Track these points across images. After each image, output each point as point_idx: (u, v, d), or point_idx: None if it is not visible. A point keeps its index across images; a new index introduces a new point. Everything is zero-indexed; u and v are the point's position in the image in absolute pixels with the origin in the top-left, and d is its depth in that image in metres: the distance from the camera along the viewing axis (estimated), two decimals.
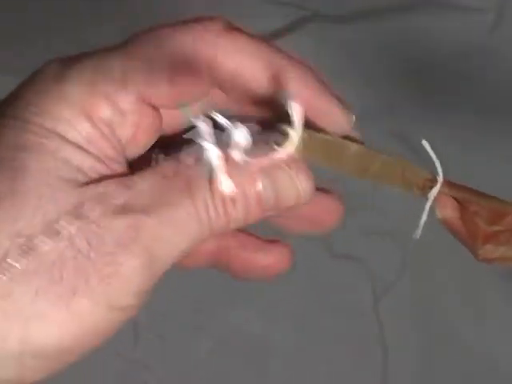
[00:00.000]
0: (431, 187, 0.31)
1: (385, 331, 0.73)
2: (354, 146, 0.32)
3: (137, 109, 0.29)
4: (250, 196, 0.28)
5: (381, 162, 0.32)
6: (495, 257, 0.31)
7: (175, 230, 0.27)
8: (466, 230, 0.32)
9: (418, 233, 0.32)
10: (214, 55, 0.29)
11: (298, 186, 0.30)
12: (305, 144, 0.30)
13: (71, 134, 0.27)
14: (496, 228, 0.31)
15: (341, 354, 0.73)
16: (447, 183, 0.32)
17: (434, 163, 0.31)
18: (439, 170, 0.31)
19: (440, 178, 0.31)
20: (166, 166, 0.28)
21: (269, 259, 0.36)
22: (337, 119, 0.31)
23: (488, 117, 0.77)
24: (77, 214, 0.26)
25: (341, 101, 0.32)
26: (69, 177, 0.27)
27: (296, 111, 0.28)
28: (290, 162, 0.29)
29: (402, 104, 0.79)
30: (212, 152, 0.27)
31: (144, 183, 0.28)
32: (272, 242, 0.37)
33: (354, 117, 0.32)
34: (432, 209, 0.32)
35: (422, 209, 0.32)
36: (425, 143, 0.31)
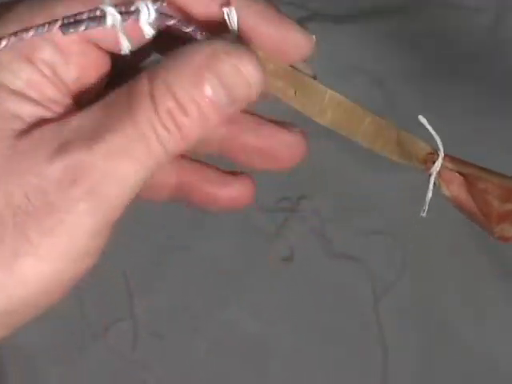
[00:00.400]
0: (433, 162, 0.31)
1: (385, 331, 0.73)
2: (323, 89, 0.32)
3: (80, 49, 0.27)
4: (199, 98, 0.25)
5: (371, 120, 0.32)
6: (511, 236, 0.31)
7: (121, 160, 0.25)
8: (477, 207, 0.31)
9: (425, 210, 0.32)
10: None
11: (244, 73, 0.26)
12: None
13: (9, 79, 0.26)
14: (509, 207, 0.30)
15: (340, 353, 0.73)
16: (450, 158, 0.31)
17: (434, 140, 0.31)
18: (439, 144, 0.31)
19: (441, 153, 0.31)
20: (108, 96, 0.26)
21: (231, 192, 0.33)
22: (297, 41, 0.30)
23: (489, 116, 0.77)
24: (11, 168, 0.25)
25: (297, 24, 0.30)
26: (3, 127, 0.25)
27: (232, 15, 0.27)
28: (230, 49, 0.25)
29: (403, 103, 0.79)
30: (110, 11, 0.25)
31: (84, 118, 0.25)
32: (234, 174, 0.34)
33: (313, 37, 0.30)
34: (437, 186, 0.31)
35: (422, 208, 0.32)
36: (422, 118, 0.31)
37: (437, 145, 0.31)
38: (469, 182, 0.31)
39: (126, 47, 0.27)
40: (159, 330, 0.73)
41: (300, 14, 0.84)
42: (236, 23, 0.28)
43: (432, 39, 0.82)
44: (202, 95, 0.25)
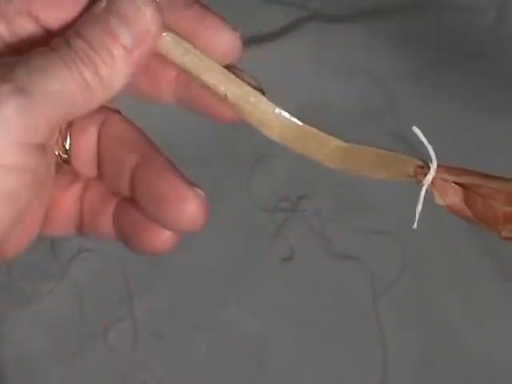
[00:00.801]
0: (424, 174, 0.30)
1: (384, 331, 0.73)
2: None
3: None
4: (105, 39, 0.28)
5: (336, 145, 0.32)
6: None
7: (43, 71, 0.27)
8: (478, 212, 0.30)
9: (415, 222, 0.31)
10: None
11: (140, 6, 0.28)
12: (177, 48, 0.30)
13: None
14: None
15: (340, 353, 0.73)
16: (445, 169, 0.30)
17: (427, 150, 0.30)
18: (432, 155, 0.30)
19: (433, 165, 0.30)
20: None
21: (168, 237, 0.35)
22: (223, 37, 0.30)
23: (489, 116, 0.77)
24: None
25: (224, 20, 0.31)
26: None
27: None
28: None
29: (403, 103, 0.79)
30: None
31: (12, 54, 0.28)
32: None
33: (238, 34, 0.30)
34: (431, 197, 0.31)
35: (422, 207, 0.32)
36: (415, 129, 0.30)
37: (430, 156, 0.30)
38: (466, 190, 0.30)
39: None
40: (159, 330, 0.73)
41: (300, 14, 0.84)
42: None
43: (432, 39, 0.82)
44: (107, 37, 0.28)
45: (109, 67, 0.28)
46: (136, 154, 0.32)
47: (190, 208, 0.33)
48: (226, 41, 0.30)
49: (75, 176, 0.34)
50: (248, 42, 0.83)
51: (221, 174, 0.78)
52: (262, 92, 0.31)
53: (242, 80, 0.31)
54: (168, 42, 0.30)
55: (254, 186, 0.78)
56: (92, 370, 0.72)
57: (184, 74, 0.31)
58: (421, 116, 0.76)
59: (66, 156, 0.33)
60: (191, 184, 0.32)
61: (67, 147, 0.33)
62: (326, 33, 0.82)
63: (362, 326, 0.73)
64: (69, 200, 0.33)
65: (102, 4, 0.28)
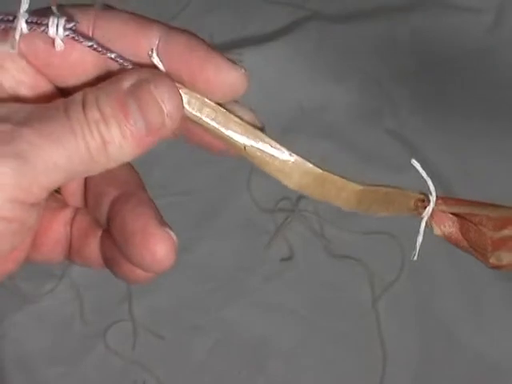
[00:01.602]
0: (425, 207, 0.31)
1: (384, 331, 0.73)
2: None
3: (15, 63, 0.29)
4: (119, 120, 0.28)
5: (352, 189, 0.32)
6: (507, 263, 0.31)
7: (50, 139, 0.27)
8: (471, 241, 0.31)
9: (416, 254, 0.32)
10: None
11: (158, 100, 0.28)
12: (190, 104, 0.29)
13: None
14: (503, 233, 0.30)
15: (340, 353, 0.73)
16: (443, 200, 0.31)
17: (427, 180, 0.31)
18: (432, 189, 0.31)
19: (433, 198, 0.31)
20: (47, 103, 0.28)
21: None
22: (228, 76, 0.30)
23: (488, 116, 0.78)
24: None
25: (228, 59, 0.30)
26: None
27: (156, 60, 0.29)
28: (150, 77, 0.28)
29: (402, 104, 0.79)
30: (21, 18, 0.28)
31: (25, 106, 0.28)
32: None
33: (243, 70, 0.30)
34: (429, 228, 0.31)
35: (414, 253, 0.32)
36: (414, 162, 0.30)
37: (429, 188, 0.31)
38: (461, 220, 0.31)
39: (58, 45, 0.29)
40: (159, 331, 0.73)
41: (300, 15, 0.84)
42: (161, 66, 0.29)
43: (431, 40, 0.82)
44: (123, 118, 0.28)
45: (117, 146, 0.28)
46: (116, 188, 0.31)
47: (156, 248, 0.31)
48: (231, 79, 0.30)
49: (65, 202, 0.34)
50: (248, 42, 0.83)
51: (221, 175, 0.78)
52: (261, 129, 0.31)
53: (239, 117, 0.30)
54: (184, 98, 0.29)
55: (254, 186, 0.78)
56: (92, 369, 0.72)
57: (201, 128, 0.30)
58: (419, 116, 0.76)
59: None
60: (162, 224, 0.31)
61: None
62: (326, 33, 0.82)
63: (362, 326, 0.73)
64: (58, 225, 0.33)
65: (127, 83, 0.28)
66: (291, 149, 0.31)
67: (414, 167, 0.30)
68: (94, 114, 0.27)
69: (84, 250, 0.33)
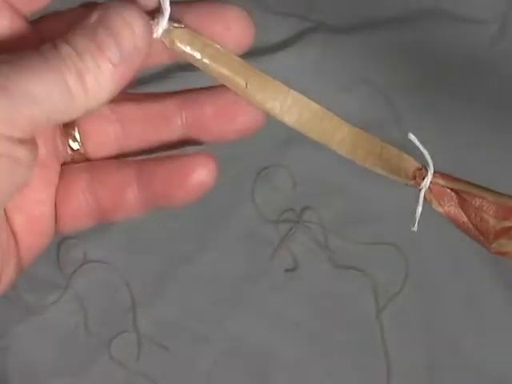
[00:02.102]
0: (423, 178, 0.31)
1: (388, 342, 0.73)
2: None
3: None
4: (92, 48, 0.28)
5: (349, 130, 0.32)
6: (508, 250, 0.31)
7: (28, 73, 0.27)
8: (472, 224, 0.31)
9: (415, 224, 0.32)
10: None
11: (128, 20, 0.28)
12: (191, 42, 0.30)
13: None
14: (506, 224, 0.31)
15: (343, 364, 0.72)
16: (441, 175, 0.31)
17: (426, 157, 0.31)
18: (429, 160, 0.31)
19: (431, 168, 0.31)
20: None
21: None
22: (237, 25, 0.31)
23: (490, 126, 0.78)
24: None
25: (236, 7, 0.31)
26: None
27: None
28: (118, 6, 0.29)
29: (406, 114, 0.79)
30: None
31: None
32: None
33: (251, 21, 0.32)
34: (428, 203, 0.32)
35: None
36: (411, 136, 0.31)
37: (427, 161, 0.31)
38: (461, 198, 0.31)
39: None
40: (163, 342, 0.73)
41: (303, 26, 0.84)
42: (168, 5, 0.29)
43: (436, 50, 0.82)
44: (95, 47, 0.28)
45: (94, 78, 0.28)
46: None
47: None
48: (240, 28, 0.31)
49: (76, 169, 0.34)
50: (252, 53, 0.83)
51: (225, 185, 0.78)
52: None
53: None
54: (186, 38, 0.30)
55: (258, 196, 0.78)
56: (96, 381, 0.72)
57: (203, 68, 0.31)
58: (423, 127, 0.76)
59: (76, 144, 0.33)
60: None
61: (76, 135, 0.33)
62: (330, 44, 0.83)
63: (366, 337, 0.73)
64: (77, 192, 0.33)
65: (94, 17, 0.28)
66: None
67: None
68: (66, 49, 0.27)
69: (120, 203, 0.33)
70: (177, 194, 0.32)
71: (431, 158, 0.32)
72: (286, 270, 0.76)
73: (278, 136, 0.75)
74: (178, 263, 0.75)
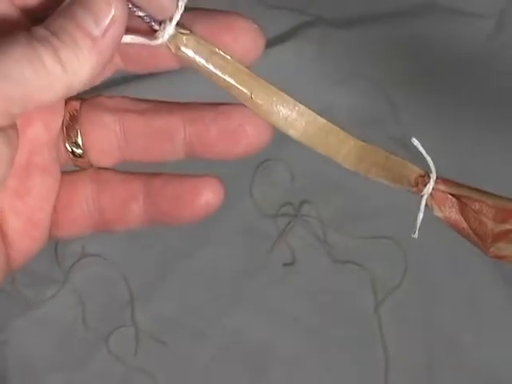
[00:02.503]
0: (425, 184, 0.31)
1: (386, 336, 0.73)
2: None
3: None
4: (67, 25, 0.27)
5: (354, 144, 0.32)
6: (507, 254, 0.31)
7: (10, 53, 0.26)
8: (471, 228, 0.31)
9: (416, 231, 0.32)
10: None
11: None
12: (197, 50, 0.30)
13: None
14: (505, 227, 0.31)
15: (342, 359, 0.72)
16: (443, 181, 0.31)
17: (427, 162, 0.31)
18: (432, 166, 0.31)
19: (433, 175, 0.31)
20: None
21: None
22: (246, 36, 0.31)
23: (489, 122, 0.77)
24: None
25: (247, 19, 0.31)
26: None
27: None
28: None
29: (404, 109, 0.79)
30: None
31: None
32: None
33: (261, 33, 0.32)
34: (430, 208, 0.32)
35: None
36: (415, 141, 0.31)
37: (429, 167, 0.31)
38: (462, 204, 0.31)
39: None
40: (161, 336, 0.73)
41: (300, 20, 0.84)
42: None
43: (433, 45, 0.82)
44: (70, 22, 0.27)
45: (71, 52, 0.27)
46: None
47: None
48: (248, 40, 0.31)
49: (82, 177, 0.33)
50: None
51: (223, 179, 0.78)
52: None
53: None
54: (192, 45, 0.30)
55: (257, 191, 0.78)
56: (94, 375, 0.72)
57: (208, 76, 0.31)
58: (422, 121, 0.76)
59: (79, 151, 0.33)
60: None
61: (79, 141, 0.33)
62: (328, 38, 0.82)
63: (364, 331, 0.73)
64: (80, 201, 0.33)
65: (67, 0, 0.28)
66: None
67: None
68: (41, 32, 0.27)
69: (124, 214, 0.33)
70: (182, 214, 0.33)
71: (428, 150, 0.32)
72: (285, 265, 0.76)
73: (276, 130, 0.75)
74: (176, 258, 0.75)
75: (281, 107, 0.31)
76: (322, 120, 0.32)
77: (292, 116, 0.31)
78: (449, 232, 0.73)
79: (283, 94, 0.31)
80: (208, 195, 0.32)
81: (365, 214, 0.77)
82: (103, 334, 0.73)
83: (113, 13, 0.27)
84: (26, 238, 0.32)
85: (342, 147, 0.32)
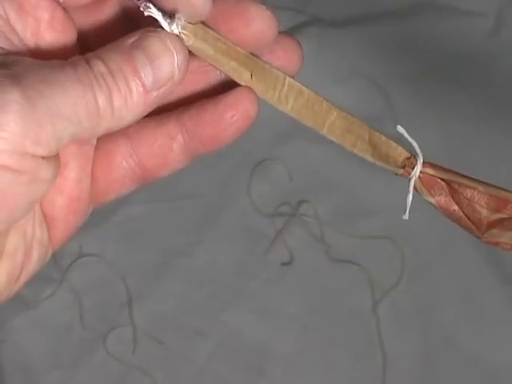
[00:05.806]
0: (412, 167, 0.31)
1: (384, 335, 0.73)
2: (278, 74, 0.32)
3: (35, 3, 0.28)
4: (124, 68, 0.27)
5: (338, 114, 0.32)
6: (501, 240, 0.31)
7: (54, 86, 0.26)
8: (465, 214, 0.31)
9: (407, 212, 0.32)
10: None
11: (170, 48, 0.28)
12: (206, 44, 0.30)
13: None
14: (500, 216, 0.31)
15: (340, 357, 0.72)
16: (430, 165, 0.32)
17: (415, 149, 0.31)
18: (418, 150, 0.31)
19: (420, 158, 0.31)
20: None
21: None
22: (259, 21, 0.30)
23: (489, 119, 0.78)
24: None
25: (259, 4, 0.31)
26: None
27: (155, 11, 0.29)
28: (157, 31, 0.28)
29: (403, 107, 0.79)
30: None
31: (36, 60, 0.27)
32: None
33: (274, 18, 0.31)
34: (419, 193, 0.32)
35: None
36: (400, 128, 0.32)
37: (415, 150, 0.31)
38: (452, 189, 0.31)
39: None
40: (159, 336, 0.73)
41: (298, 19, 0.84)
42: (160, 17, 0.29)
43: (431, 43, 0.82)
44: (130, 70, 0.27)
45: (122, 99, 0.27)
46: None
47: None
48: (260, 26, 0.30)
49: (114, 137, 0.32)
50: None
51: (221, 179, 0.78)
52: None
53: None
54: (200, 33, 0.30)
55: (254, 190, 0.78)
56: (92, 374, 0.72)
57: (213, 63, 0.31)
58: (419, 119, 0.76)
59: None
60: None
61: None
62: (326, 37, 0.82)
63: (362, 331, 0.73)
64: (119, 160, 0.32)
65: (133, 38, 0.28)
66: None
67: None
68: (99, 67, 0.27)
69: (166, 160, 0.33)
70: (225, 135, 0.32)
71: (426, 148, 0.32)
72: (282, 264, 0.76)
73: (273, 130, 0.75)
74: (174, 257, 0.75)
75: (275, 83, 0.32)
76: (307, 90, 0.33)
77: (284, 91, 0.32)
78: (446, 231, 0.74)
79: (275, 70, 0.32)
80: (246, 105, 0.31)
81: (362, 213, 0.77)
82: (101, 333, 0.73)
83: (175, 71, 0.28)
84: (70, 214, 0.31)
85: (326, 117, 0.32)
